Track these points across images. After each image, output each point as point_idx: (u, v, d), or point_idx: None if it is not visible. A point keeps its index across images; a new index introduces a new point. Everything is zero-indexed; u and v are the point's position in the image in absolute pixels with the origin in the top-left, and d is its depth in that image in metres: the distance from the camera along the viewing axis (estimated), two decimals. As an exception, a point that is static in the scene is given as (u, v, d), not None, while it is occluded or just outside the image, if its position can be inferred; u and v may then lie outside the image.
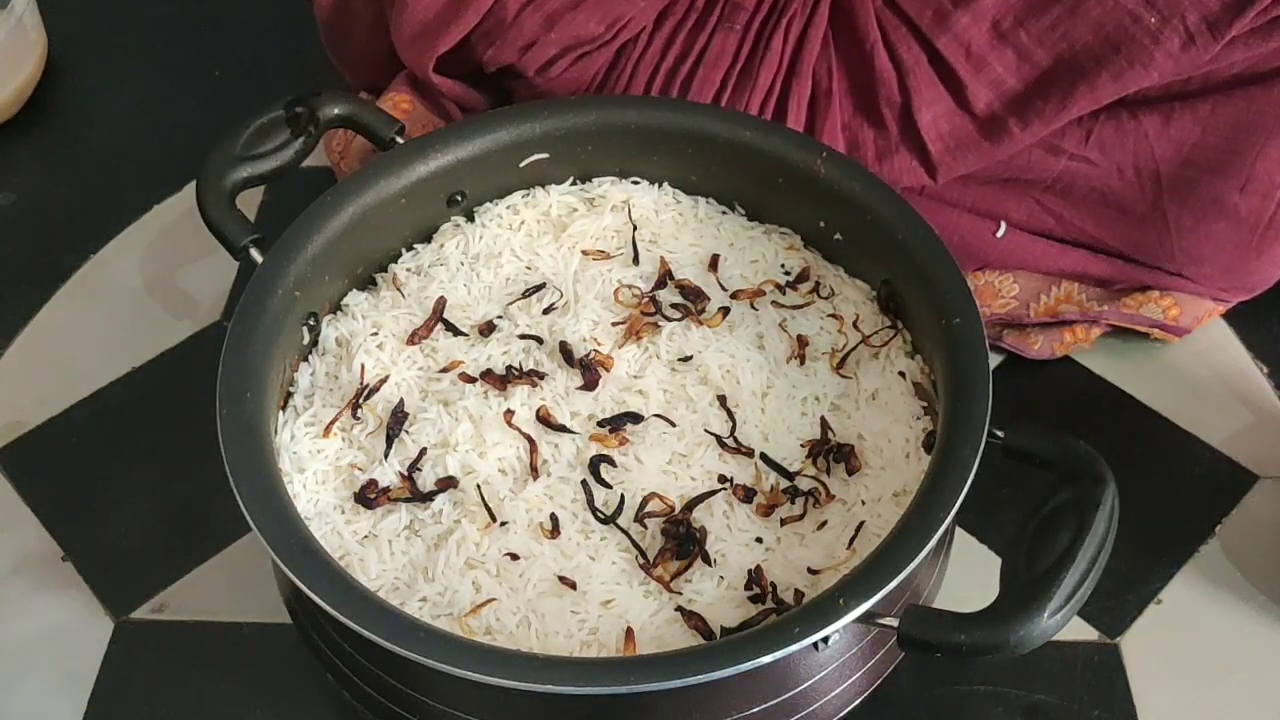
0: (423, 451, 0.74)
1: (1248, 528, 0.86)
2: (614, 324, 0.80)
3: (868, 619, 0.62)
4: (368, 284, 0.83)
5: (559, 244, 0.84)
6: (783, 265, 0.84)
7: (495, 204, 0.85)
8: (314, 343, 0.80)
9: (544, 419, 0.75)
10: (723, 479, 0.73)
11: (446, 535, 0.71)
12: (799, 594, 0.69)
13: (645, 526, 0.72)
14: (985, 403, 0.68)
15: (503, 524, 0.71)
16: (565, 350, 0.78)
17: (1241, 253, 0.89)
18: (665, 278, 0.82)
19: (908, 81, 0.87)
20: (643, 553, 0.70)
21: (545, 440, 0.74)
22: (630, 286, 0.81)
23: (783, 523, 0.72)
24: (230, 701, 0.80)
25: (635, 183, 0.86)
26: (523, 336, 0.79)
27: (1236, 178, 0.86)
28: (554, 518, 0.72)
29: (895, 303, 0.79)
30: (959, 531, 0.82)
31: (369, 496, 0.72)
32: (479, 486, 0.72)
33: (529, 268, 0.83)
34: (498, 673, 0.60)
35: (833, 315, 0.81)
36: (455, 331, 0.80)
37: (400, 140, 0.82)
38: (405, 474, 0.73)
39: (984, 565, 0.83)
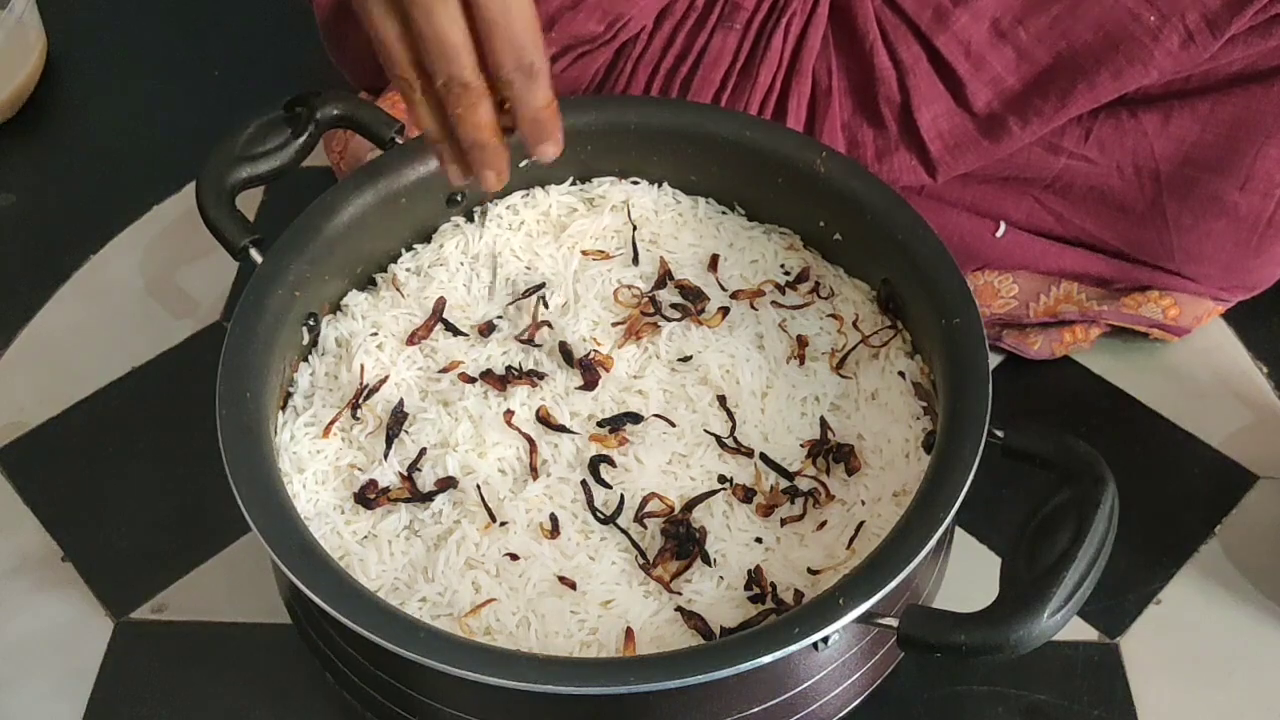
0: (422, 452, 0.74)
1: (1247, 528, 0.86)
2: (614, 324, 0.80)
3: (867, 619, 0.62)
4: (367, 284, 0.83)
5: (559, 244, 0.84)
6: (782, 265, 0.84)
7: (495, 204, 0.85)
8: (314, 343, 0.80)
9: (544, 419, 0.75)
10: (722, 479, 0.73)
11: (446, 535, 0.71)
12: (799, 594, 0.69)
13: (645, 526, 0.72)
14: (985, 403, 0.68)
15: (502, 524, 0.71)
16: (565, 350, 0.78)
17: (1241, 251, 0.89)
18: (665, 278, 0.82)
19: (907, 80, 0.87)
20: (642, 553, 0.70)
21: (545, 440, 0.74)
22: (630, 287, 0.81)
23: (782, 523, 0.72)
24: (230, 702, 0.80)
25: (635, 183, 0.86)
26: (521, 339, 0.79)
27: (1236, 176, 0.86)
28: (554, 518, 0.72)
29: (895, 303, 0.79)
30: (959, 531, 0.82)
31: (369, 497, 0.72)
32: (479, 487, 0.72)
33: (529, 268, 0.83)
34: (497, 673, 0.60)
35: (832, 315, 0.81)
36: (455, 332, 0.80)
37: (400, 140, 0.82)
38: (405, 474, 0.73)
39: (984, 565, 0.83)
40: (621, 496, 0.72)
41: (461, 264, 0.83)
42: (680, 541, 0.70)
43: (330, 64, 1.06)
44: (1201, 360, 0.95)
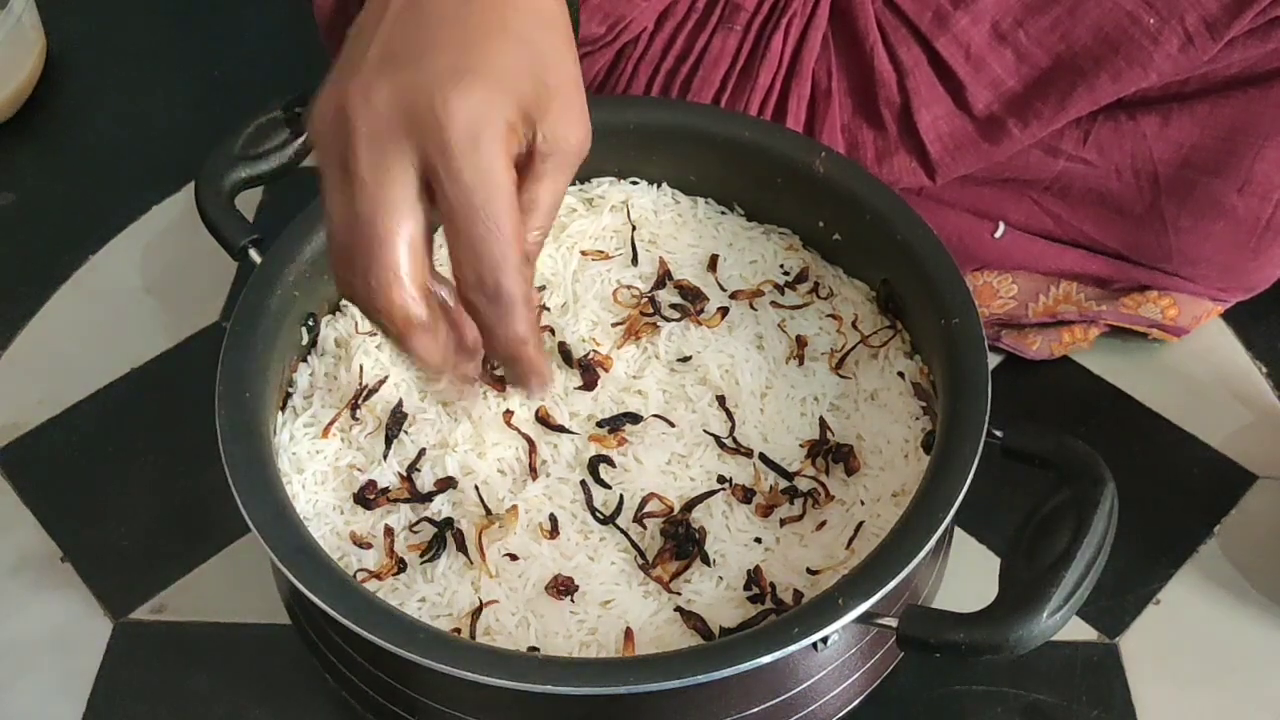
0: (422, 452, 0.74)
1: (1246, 528, 0.86)
2: (613, 324, 0.80)
3: (867, 619, 0.62)
4: (367, 284, 0.83)
5: (557, 244, 0.84)
6: (782, 265, 0.84)
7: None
8: (313, 343, 0.80)
9: (543, 419, 0.75)
10: (722, 479, 0.73)
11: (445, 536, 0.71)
12: (798, 594, 0.69)
13: (644, 527, 0.72)
14: (984, 403, 0.68)
15: (501, 525, 0.71)
16: (564, 351, 0.78)
17: (1239, 253, 0.89)
18: (664, 278, 0.82)
19: (907, 82, 0.87)
20: (642, 553, 0.70)
21: (544, 440, 0.74)
22: (629, 287, 0.81)
23: (782, 523, 0.72)
24: (229, 702, 0.80)
25: (634, 183, 0.86)
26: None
27: (1234, 179, 0.86)
28: (553, 518, 0.72)
29: (894, 303, 0.79)
30: (958, 531, 0.82)
31: (368, 497, 0.73)
32: (478, 487, 0.72)
33: (528, 268, 0.83)
34: (496, 673, 0.60)
35: (832, 315, 0.81)
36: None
37: (399, 141, 0.82)
38: (404, 475, 0.73)
39: (983, 565, 0.83)
40: (621, 497, 0.72)
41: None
42: (679, 542, 0.70)
43: (330, 64, 1.06)
44: (1201, 360, 0.95)
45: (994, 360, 0.94)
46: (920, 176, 0.89)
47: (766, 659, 0.60)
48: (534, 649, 0.67)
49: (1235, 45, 0.82)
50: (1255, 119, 0.85)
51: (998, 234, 0.93)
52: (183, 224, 1.07)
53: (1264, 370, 0.95)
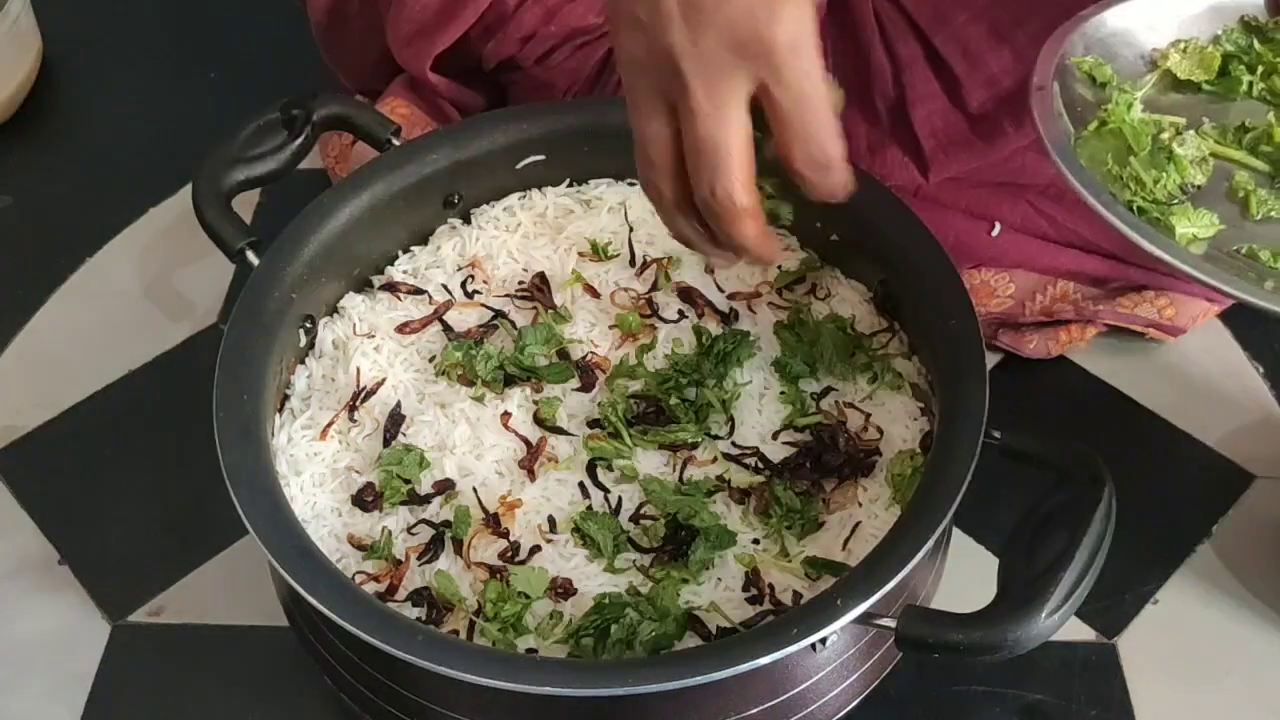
0: (420, 454, 0.74)
1: (1244, 528, 0.86)
2: (610, 326, 0.80)
3: (865, 620, 0.62)
4: (364, 286, 0.83)
5: (555, 246, 0.84)
6: (780, 266, 0.83)
7: (492, 206, 0.85)
8: (311, 345, 0.80)
9: (541, 421, 0.75)
10: (720, 480, 0.73)
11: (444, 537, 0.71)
12: (797, 595, 0.69)
13: (643, 527, 0.72)
14: (982, 403, 0.68)
15: (500, 526, 0.71)
16: (562, 352, 0.78)
17: None
18: (662, 279, 0.82)
19: (903, 77, 0.87)
20: (640, 554, 0.70)
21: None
22: (627, 289, 0.81)
23: (781, 524, 0.72)
24: (228, 704, 0.80)
25: (631, 184, 0.86)
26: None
27: None
28: (551, 519, 0.72)
29: (892, 303, 0.79)
30: (956, 532, 0.82)
31: (366, 499, 0.72)
32: (475, 489, 0.72)
33: (525, 269, 0.83)
34: (495, 675, 0.60)
35: (830, 316, 0.81)
36: (453, 333, 0.80)
37: (396, 142, 0.82)
38: (403, 476, 0.73)
39: (982, 565, 0.83)
40: (619, 498, 0.72)
41: (458, 266, 0.83)
42: (678, 543, 0.70)
43: (328, 66, 1.06)
44: (1198, 360, 0.95)
45: (992, 360, 0.94)
46: (913, 173, 0.89)
47: (765, 660, 0.60)
48: (532, 650, 0.67)
49: None
50: None
51: (994, 232, 0.93)
52: (180, 226, 1.07)
53: (1261, 370, 0.95)
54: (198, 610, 0.84)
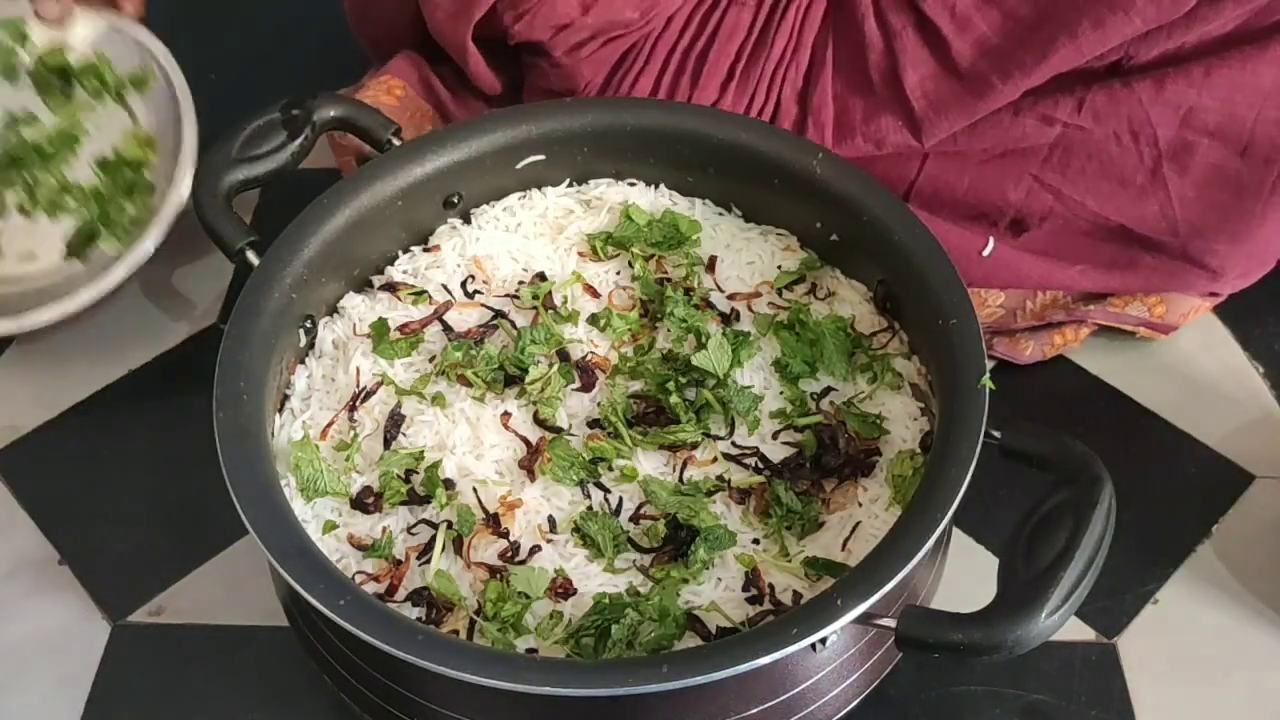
0: (420, 454, 0.74)
1: (1244, 527, 0.86)
2: (611, 326, 0.79)
3: (865, 620, 0.62)
4: (364, 286, 0.83)
5: (555, 246, 0.84)
6: (780, 266, 0.84)
7: (492, 206, 0.85)
8: (310, 345, 0.80)
9: (541, 421, 0.75)
10: (721, 480, 0.73)
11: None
12: (797, 595, 0.69)
13: (643, 527, 0.72)
14: (982, 403, 0.68)
15: (500, 526, 0.71)
16: (562, 352, 0.78)
17: (1246, 221, 0.88)
18: (662, 279, 0.82)
19: (894, 44, 0.89)
20: (641, 554, 0.70)
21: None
22: (627, 289, 0.81)
23: (780, 524, 0.72)
24: (227, 704, 0.80)
25: (631, 184, 0.86)
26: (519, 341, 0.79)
27: (1236, 142, 0.86)
28: (551, 519, 0.72)
29: (892, 303, 0.79)
30: (956, 532, 0.82)
31: (365, 500, 0.72)
32: (475, 489, 0.72)
33: (525, 269, 0.83)
34: (495, 675, 0.60)
35: (830, 316, 0.81)
36: (453, 333, 0.80)
37: (396, 142, 0.82)
38: (402, 476, 0.73)
39: (981, 565, 0.83)
40: (620, 498, 0.72)
41: (458, 266, 0.83)
42: (678, 543, 0.70)
43: (328, 66, 1.06)
44: (1198, 359, 0.95)
45: (989, 362, 0.94)
46: (906, 136, 0.89)
47: (765, 660, 0.60)
48: (532, 650, 0.67)
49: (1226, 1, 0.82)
50: (1252, 78, 0.84)
51: (986, 251, 0.92)
52: (180, 226, 1.06)
53: (1261, 370, 0.95)
54: (198, 610, 0.84)
